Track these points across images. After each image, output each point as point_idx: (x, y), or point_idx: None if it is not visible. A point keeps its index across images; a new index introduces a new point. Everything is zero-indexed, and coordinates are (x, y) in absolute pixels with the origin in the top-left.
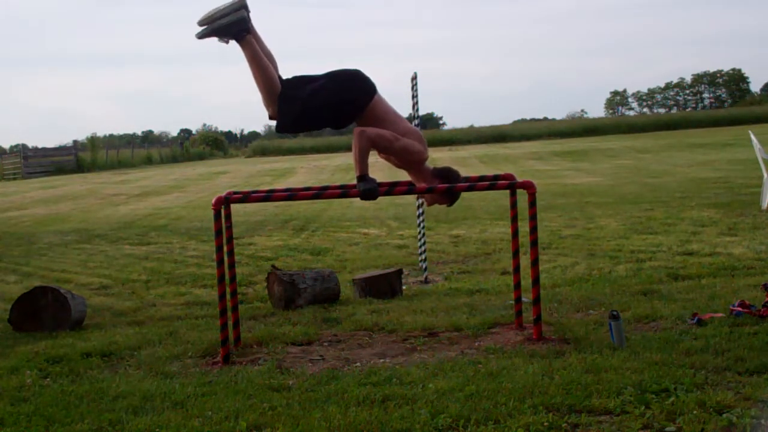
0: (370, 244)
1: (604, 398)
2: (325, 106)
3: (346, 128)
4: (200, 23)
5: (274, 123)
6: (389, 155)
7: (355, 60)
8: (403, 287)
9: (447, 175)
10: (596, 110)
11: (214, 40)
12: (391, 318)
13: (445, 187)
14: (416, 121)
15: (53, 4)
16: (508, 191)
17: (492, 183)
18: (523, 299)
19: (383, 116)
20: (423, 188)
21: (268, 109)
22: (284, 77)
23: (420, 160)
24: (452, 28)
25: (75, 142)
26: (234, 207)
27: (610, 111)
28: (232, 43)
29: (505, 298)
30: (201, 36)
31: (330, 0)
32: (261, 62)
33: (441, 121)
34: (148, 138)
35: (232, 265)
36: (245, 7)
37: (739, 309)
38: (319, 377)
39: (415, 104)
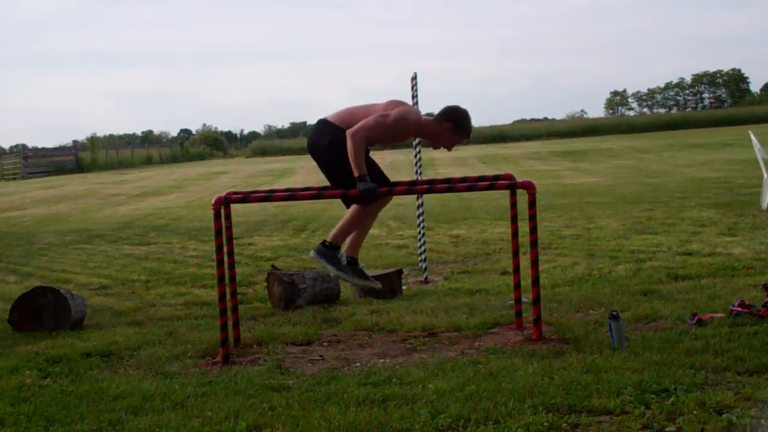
0: (370, 244)
1: (604, 398)
2: (340, 160)
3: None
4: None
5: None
6: (391, 136)
7: (355, 60)
8: (403, 287)
9: (449, 113)
10: (596, 110)
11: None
12: (391, 318)
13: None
14: None
15: (53, 4)
16: (508, 191)
17: (492, 183)
18: (523, 299)
19: (356, 116)
20: (422, 189)
21: None
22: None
23: (418, 118)
24: (452, 28)
25: (75, 142)
26: (234, 207)
27: (610, 111)
28: None
29: (505, 298)
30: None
31: (330, 0)
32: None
33: None
34: (148, 138)
35: (232, 265)
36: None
37: (739, 309)
38: (319, 377)
39: (415, 104)
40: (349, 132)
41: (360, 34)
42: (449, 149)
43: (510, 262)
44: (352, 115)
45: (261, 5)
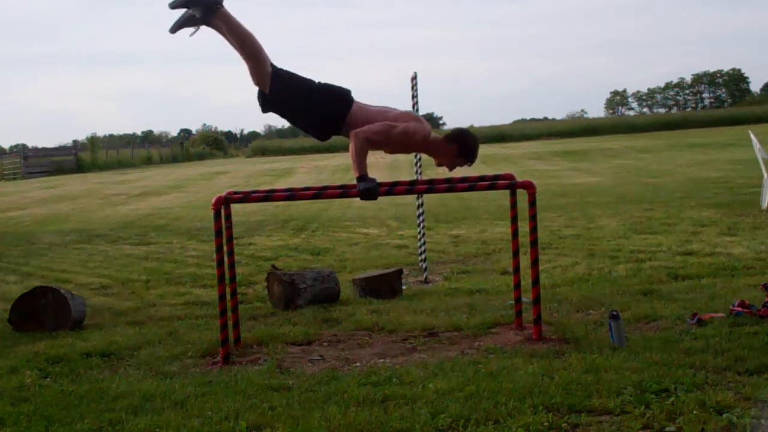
0: (370, 244)
1: (604, 398)
2: (311, 109)
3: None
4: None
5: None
6: (393, 146)
7: (355, 60)
8: (403, 287)
9: (459, 137)
10: (596, 110)
11: (189, 30)
12: (391, 318)
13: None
14: None
15: (53, 4)
16: (508, 191)
17: (492, 183)
18: (523, 299)
19: (366, 119)
20: (422, 189)
21: (253, 78)
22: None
23: (425, 137)
24: (452, 28)
25: (75, 142)
26: (234, 207)
27: (610, 111)
28: (211, 32)
29: (505, 298)
30: (174, 6)
31: (330, 0)
32: (239, 29)
33: (441, 121)
34: (148, 138)
35: (232, 265)
36: None
37: (739, 309)
38: (319, 377)
39: (415, 104)
40: (353, 132)
41: (360, 34)
42: (450, 169)
43: (510, 262)
44: (361, 110)
45: (261, 5)
